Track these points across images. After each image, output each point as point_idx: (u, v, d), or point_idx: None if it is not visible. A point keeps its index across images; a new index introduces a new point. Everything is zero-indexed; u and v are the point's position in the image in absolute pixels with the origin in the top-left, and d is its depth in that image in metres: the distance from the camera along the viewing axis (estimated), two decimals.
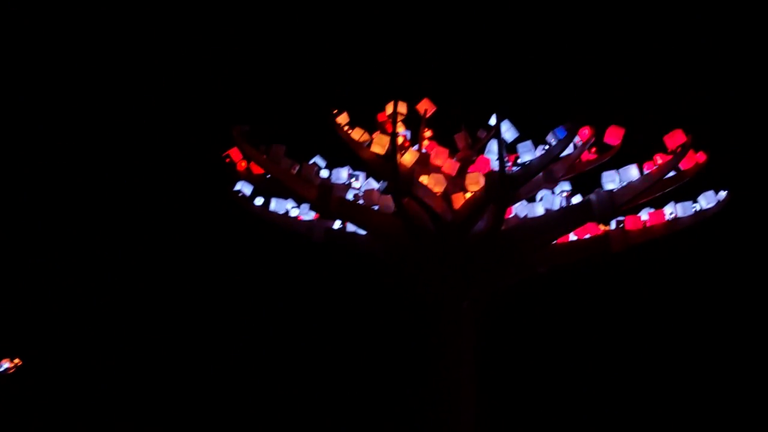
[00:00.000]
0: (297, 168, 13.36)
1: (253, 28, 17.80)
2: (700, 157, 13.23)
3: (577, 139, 13.58)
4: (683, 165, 13.10)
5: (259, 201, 13.51)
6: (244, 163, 13.61)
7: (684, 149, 12.87)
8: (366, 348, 16.61)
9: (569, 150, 13.53)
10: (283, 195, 13.56)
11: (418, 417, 13.02)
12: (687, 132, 12.86)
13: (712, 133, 13.85)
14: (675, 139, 12.89)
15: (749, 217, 15.59)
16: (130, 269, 17.16)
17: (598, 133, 13.59)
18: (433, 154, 13.38)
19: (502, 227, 12.91)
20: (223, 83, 17.48)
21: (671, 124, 12.94)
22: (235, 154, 13.56)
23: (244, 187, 13.47)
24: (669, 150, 12.91)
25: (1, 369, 15.70)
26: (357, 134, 13.50)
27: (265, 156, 13.26)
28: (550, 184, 13.47)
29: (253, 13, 17.73)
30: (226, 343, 16.90)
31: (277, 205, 13.55)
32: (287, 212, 13.60)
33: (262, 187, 13.59)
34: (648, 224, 13.01)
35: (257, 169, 13.60)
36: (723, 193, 13.00)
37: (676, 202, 13.00)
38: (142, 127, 17.35)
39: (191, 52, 17.66)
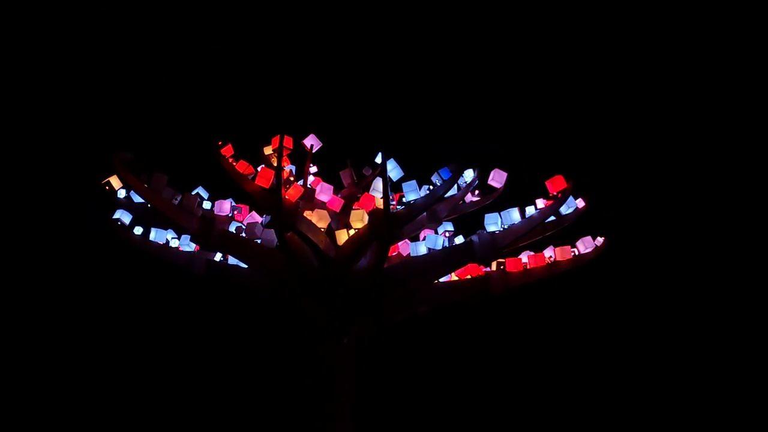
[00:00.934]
0: (179, 198, 13.10)
1: (139, 55, 17.54)
2: (580, 203, 13.58)
3: (461, 181, 13.76)
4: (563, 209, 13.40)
5: (138, 230, 13.13)
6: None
7: (564, 195, 13.20)
8: (247, 382, 16.25)
9: (453, 191, 13.69)
10: (164, 225, 13.23)
11: None
12: (567, 178, 13.21)
13: (593, 180, 14.23)
14: (556, 184, 13.23)
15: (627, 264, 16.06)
16: None
17: (482, 176, 13.80)
18: (317, 189, 13.33)
19: (385, 265, 12.92)
20: (107, 109, 17.09)
21: (553, 170, 13.28)
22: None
23: (124, 216, 13.11)
24: (550, 195, 13.23)
25: None
26: (241, 167, 13.36)
27: (146, 185, 12.99)
28: (434, 224, 13.55)
29: (140, 39, 17.50)
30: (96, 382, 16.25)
31: (157, 236, 13.20)
32: (167, 243, 13.27)
33: (142, 217, 13.23)
34: (528, 266, 13.23)
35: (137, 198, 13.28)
36: (600, 239, 13.36)
37: (555, 246, 13.27)
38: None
39: (84, 75, 17.26)
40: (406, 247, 13.37)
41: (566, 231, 13.50)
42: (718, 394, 16.27)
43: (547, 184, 13.22)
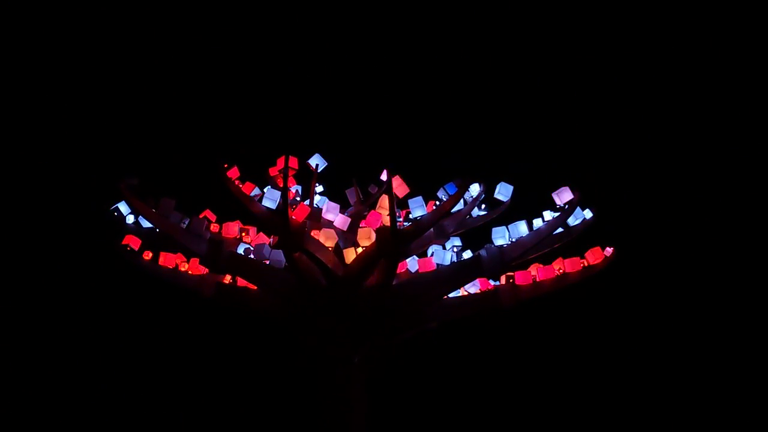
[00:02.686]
0: (186, 222, 13.19)
1: (142, 76, 17.72)
2: (588, 213, 13.54)
3: (467, 195, 13.76)
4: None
5: (147, 255, 13.23)
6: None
7: (572, 206, 13.17)
8: (258, 401, 16.25)
9: (460, 206, 13.68)
10: (173, 249, 13.32)
11: None
12: (574, 189, 13.18)
13: (600, 191, 14.20)
14: (563, 196, 13.20)
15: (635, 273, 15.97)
16: None
17: (488, 190, 13.79)
18: (324, 208, 13.36)
19: (394, 282, 12.91)
20: (112, 134, 17.27)
21: (560, 181, 13.27)
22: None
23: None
24: (557, 207, 13.20)
25: None
26: (248, 188, 13.45)
27: (153, 210, 13.10)
28: (441, 239, 13.52)
29: (142, 60, 17.68)
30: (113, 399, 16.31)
31: (166, 260, 13.28)
32: (176, 267, 13.34)
33: (150, 241, 13.32)
34: (537, 279, 13.18)
35: (146, 223, 13.39)
36: (609, 250, 13.29)
37: (564, 258, 13.22)
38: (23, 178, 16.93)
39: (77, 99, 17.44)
40: (413, 264, 13.34)
41: (575, 242, 13.47)
42: (726, 400, 16.10)
43: (554, 196, 13.21)
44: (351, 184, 14.39)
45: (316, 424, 12.82)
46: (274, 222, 12.96)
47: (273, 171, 13.68)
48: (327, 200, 13.58)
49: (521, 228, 13.09)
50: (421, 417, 16.13)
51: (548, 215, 13.25)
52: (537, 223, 13.24)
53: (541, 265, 13.27)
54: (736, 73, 17.37)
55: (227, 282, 13.39)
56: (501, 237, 13.03)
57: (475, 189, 13.89)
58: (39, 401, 15.99)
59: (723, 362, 16.46)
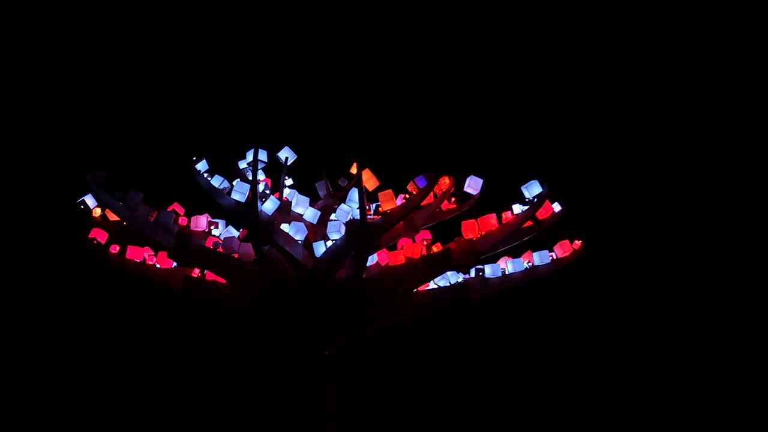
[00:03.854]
0: (155, 215, 13.07)
1: (112, 68, 17.50)
2: (557, 207, 13.62)
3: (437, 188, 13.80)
4: (540, 215, 13.42)
5: (114, 249, 13.10)
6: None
7: (540, 199, 13.24)
8: (229, 396, 16.19)
9: (429, 199, 13.70)
10: (141, 243, 13.19)
11: None
12: (543, 182, 13.25)
13: (569, 184, 14.27)
14: (532, 189, 13.25)
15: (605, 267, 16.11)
16: None
17: (458, 183, 13.83)
18: (294, 201, 13.32)
19: (363, 275, 12.91)
20: (77, 125, 17.04)
21: (529, 175, 13.31)
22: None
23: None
24: (526, 200, 13.26)
25: None
26: (217, 181, 13.37)
27: (121, 203, 12.97)
28: (411, 232, 13.53)
29: (112, 51, 17.46)
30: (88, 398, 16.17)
31: (133, 253, 13.16)
32: (144, 260, 13.23)
33: (118, 235, 13.18)
34: (507, 272, 13.26)
35: (113, 216, 13.24)
36: (578, 243, 13.40)
37: (534, 251, 13.30)
38: None
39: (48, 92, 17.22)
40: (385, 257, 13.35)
41: (544, 235, 13.55)
42: (701, 392, 16.32)
43: (523, 189, 13.26)
44: (321, 177, 14.35)
45: (286, 418, 12.83)
46: (243, 215, 12.94)
47: (242, 164, 13.57)
48: (296, 193, 13.53)
49: (491, 221, 13.16)
50: (393, 410, 16.17)
51: (518, 208, 13.30)
52: (506, 216, 13.29)
53: (510, 258, 13.37)
54: (705, 62, 17.53)
55: (196, 275, 13.30)
56: (470, 230, 13.09)
57: (445, 182, 13.90)
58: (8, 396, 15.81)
59: (699, 354, 16.63)
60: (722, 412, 16.04)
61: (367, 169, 13.09)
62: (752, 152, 17.34)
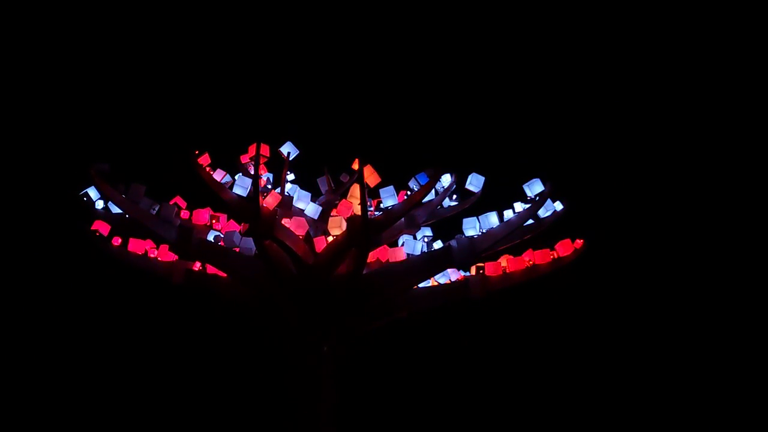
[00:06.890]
0: (157, 208, 13.13)
1: (116, 64, 17.57)
2: (558, 205, 13.60)
3: (438, 185, 13.78)
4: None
5: (117, 241, 13.15)
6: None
7: (542, 198, 13.21)
8: (229, 390, 16.23)
9: (431, 196, 13.70)
10: (143, 236, 13.24)
11: None
12: (545, 181, 13.23)
13: (571, 183, 14.25)
14: (534, 187, 13.24)
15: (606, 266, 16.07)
16: None
17: (460, 180, 13.81)
18: (295, 197, 13.34)
19: (364, 271, 12.91)
20: (82, 119, 17.12)
21: (531, 173, 13.30)
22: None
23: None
24: (528, 198, 13.24)
25: None
26: (218, 175, 13.39)
27: (123, 196, 13.03)
28: (412, 229, 13.53)
29: (115, 49, 17.54)
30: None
31: (135, 246, 13.21)
32: (146, 253, 13.28)
33: (120, 227, 13.25)
34: (507, 270, 13.23)
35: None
36: (579, 242, 13.36)
37: (535, 249, 13.27)
38: None
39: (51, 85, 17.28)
40: (386, 254, 13.35)
41: (545, 234, 13.53)
42: (697, 389, 16.28)
43: (525, 187, 13.25)
44: (322, 172, 14.36)
45: (286, 412, 12.85)
46: (244, 209, 12.95)
47: (244, 158, 13.60)
48: (298, 188, 13.54)
49: (492, 219, 13.13)
50: (391, 405, 16.18)
51: (519, 207, 13.29)
52: (508, 214, 13.26)
53: (511, 257, 13.33)
54: (704, 63, 17.48)
55: (197, 269, 13.35)
56: (472, 228, 13.07)
57: (446, 179, 13.90)
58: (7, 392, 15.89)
59: (696, 353, 16.58)
60: (722, 411, 15.97)
61: (369, 165, 13.08)
62: (752, 152, 17.27)
